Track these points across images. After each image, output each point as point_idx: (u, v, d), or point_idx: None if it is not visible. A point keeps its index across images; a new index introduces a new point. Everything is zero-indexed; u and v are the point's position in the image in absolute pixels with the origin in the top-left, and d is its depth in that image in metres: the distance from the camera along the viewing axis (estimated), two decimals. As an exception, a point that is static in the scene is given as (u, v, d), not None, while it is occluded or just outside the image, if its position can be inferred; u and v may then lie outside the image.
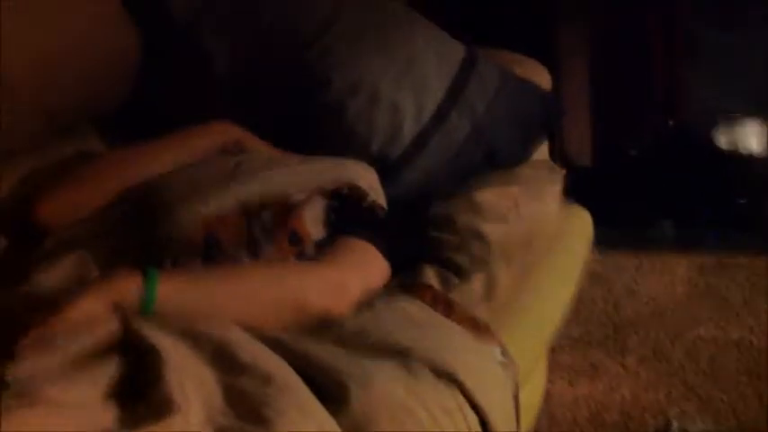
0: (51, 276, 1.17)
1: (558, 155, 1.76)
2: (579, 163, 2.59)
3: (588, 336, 2.10)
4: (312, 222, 1.30)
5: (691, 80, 2.63)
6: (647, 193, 2.56)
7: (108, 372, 0.97)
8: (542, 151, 1.70)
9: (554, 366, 1.86)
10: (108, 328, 1.03)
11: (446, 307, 1.21)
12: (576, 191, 1.63)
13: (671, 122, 2.65)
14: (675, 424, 1.80)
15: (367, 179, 1.36)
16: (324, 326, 1.14)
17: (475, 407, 1.07)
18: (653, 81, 2.63)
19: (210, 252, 1.22)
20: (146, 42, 1.57)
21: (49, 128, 1.45)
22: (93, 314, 1.05)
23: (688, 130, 2.63)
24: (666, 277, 2.34)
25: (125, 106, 1.59)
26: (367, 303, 1.18)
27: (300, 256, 1.26)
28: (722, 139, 2.57)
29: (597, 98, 2.64)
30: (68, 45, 1.41)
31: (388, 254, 1.28)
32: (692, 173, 2.55)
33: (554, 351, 1.70)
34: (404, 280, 1.28)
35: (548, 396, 1.81)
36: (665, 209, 2.60)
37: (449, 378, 1.07)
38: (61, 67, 1.40)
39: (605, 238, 1.72)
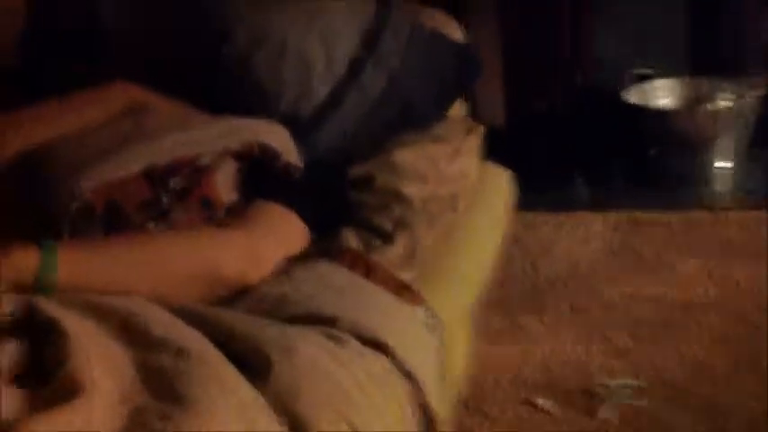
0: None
1: (470, 114, 1.73)
2: (491, 122, 2.58)
3: (507, 296, 2.09)
4: (223, 186, 1.23)
5: (599, 36, 2.64)
6: (559, 152, 2.57)
7: (7, 356, 0.91)
8: (459, 110, 1.67)
9: (474, 328, 1.84)
10: (4, 308, 0.97)
11: (368, 270, 1.18)
12: (489, 150, 1.61)
13: (579, 79, 2.66)
14: (597, 380, 1.81)
15: (279, 139, 1.30)
16: (240, 295, 1.11)
17: (402, 371, 1.05)
18: (561, 37, 2.63)
19: (113, 221, 1.15)
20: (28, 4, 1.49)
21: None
22: (-14, 294, 0.99)
23: (597, 87, 2.64)
24: (582, 235, 2.35)
25: (7, 74, 1.49)
26: (285, 270, 1.15)
27: (212, 221, 1.20)
28: (632, 95, 2.59)
29: (507, 56, 2.63)
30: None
31: (306, 217, 1.24)
32: (603, 130, 2.56)
33: (474, 313, 1.68)
34: (323, 244, 1.24)
35: (469, 358, 1.80)
36: (579, 167, 2.61)
37: (375, 343, 1.04)
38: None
39: (520, 198, 1.70)
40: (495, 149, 1.63)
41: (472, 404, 1.76)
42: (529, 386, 1.81)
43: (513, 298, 2.09)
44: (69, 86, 1.34)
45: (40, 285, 1.02)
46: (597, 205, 2.48)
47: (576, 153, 2.59)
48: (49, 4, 1.50)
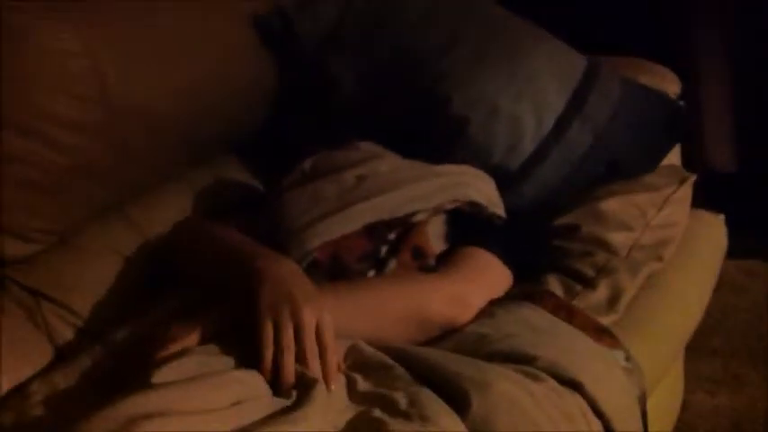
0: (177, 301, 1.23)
1: (697, 161, 1.71)
2: (722, 168, 2.52)
3: (730, 346, 2.03)
4: (434, 236, 1.33)
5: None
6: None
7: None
8: (675, 156, 1.67)
9: (693, 377, 1.81)
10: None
11: (568, 313, 1.21)
12: (718, 197, 1.59)
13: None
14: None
15: (486, 193, 1.37)
16: (447, 335, 1.17)
17: (598, 412, 1.07)
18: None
19: (336, 271, 1.25)
20: (279, 70, 1.64)
21: (190, 157, 1.52)
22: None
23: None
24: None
25: (261, 133, 1.66)
26: (489, 312, 1.20)
27: (423, 269, 1.28)
28: None
29: (739, 100, 2.55)
30: (207, 75, 1.47)
31: (510, 262, 1.29)
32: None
33: (693, 361, 1.65)
34: (526, 288, 1.28)
35: (687, 406, 1.77)
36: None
37: (571, 383, 1.07)
38: (201, 98, 1.46)
39: (750, 246, 1.66)
40: (725, 195, 1.61)
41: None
42: (748, 439, 1.76)
43: (736, 349, 2.03)
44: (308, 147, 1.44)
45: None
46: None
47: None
48: (296, 78, 1.64)
